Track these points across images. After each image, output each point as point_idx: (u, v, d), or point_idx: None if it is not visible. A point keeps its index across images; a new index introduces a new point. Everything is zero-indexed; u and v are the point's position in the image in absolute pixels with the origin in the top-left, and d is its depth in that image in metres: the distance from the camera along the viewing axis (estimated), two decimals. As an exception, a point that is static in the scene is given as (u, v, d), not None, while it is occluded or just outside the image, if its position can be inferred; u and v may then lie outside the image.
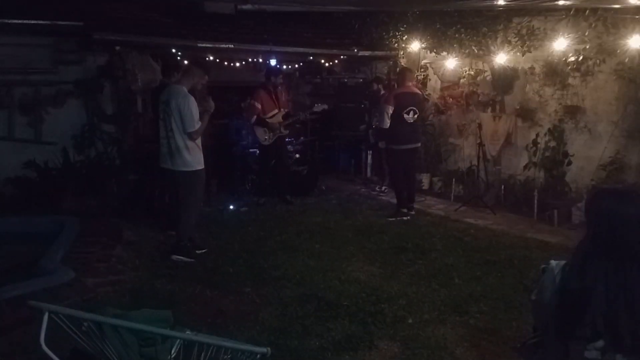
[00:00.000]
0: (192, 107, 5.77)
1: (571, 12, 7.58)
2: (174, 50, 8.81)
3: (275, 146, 8.64)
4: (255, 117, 8.46)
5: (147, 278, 5.39)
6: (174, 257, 5.96)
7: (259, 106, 8.44)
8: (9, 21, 7.62)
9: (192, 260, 5.94)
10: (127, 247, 6.21)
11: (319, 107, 9.28)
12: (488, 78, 9.04)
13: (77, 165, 8.14)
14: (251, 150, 9.23)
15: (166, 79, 6.90)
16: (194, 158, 5.92)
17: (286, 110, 8.74)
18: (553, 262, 2.41)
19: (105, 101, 8.65)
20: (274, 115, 8.51)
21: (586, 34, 7.49)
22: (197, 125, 5.81)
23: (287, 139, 9.37)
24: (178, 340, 2.54)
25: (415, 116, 7.81)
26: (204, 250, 6.23)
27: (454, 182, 9.26)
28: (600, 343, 2.21)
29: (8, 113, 8.11)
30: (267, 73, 8.79)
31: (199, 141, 5.95)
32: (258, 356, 2.28)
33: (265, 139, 8.54)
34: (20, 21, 7.70)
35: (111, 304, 4.25)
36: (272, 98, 8.55)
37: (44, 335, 2.45)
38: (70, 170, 8.02)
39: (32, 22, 7.78)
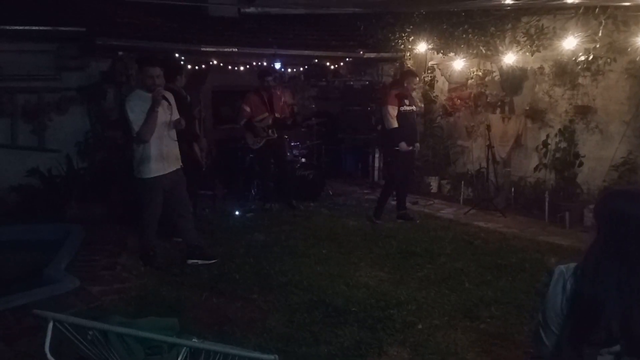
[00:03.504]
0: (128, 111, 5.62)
1: (581, 11, 7.56)
2: (177, 55, 8.84)
3: (271, 150, 8.64)
4: (244, 120, 8.48)
5: (152, 285, 5.39)
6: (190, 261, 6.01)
7: (248, 109, 8.45)
8: (11, 27, 7.69)
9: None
10: (132, 254, 6.22)
11: (313, 121, 9.47)
12: (496, 79, 9.03)
13: (81, 173, 8.18)
14: (256, 155, 9.25)
15: (170, 84, 6.92)
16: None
17: (280, 114, 8.66)
18: (562, 267, 2.39)
19: (109, 107, 8.69)
20: (263, 119, 8.50)
21: (597, 33, 7.46)
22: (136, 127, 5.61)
23: (292, 143, 9.38)
24: (185, 348, 2.54)
25: (412, 108, 7.90)
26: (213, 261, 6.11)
27: (462, 185, 9.25)
28: (615, 348, 2.19)
29: (11, 120, 8.17)
30: (258, 75, 8.81)
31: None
32: (266, 363, 2.27)
33: (253, 142, 8.57)
34: (22, 27, 7.76)
35: (117, 312, 4.26)
36: (264, 101, 8.52)
37: (49, 344, 2.45)
38: (74, 177, 8.07)
39: (34, 28, 7.84)
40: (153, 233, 6.05)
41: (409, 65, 10.39)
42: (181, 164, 6.04)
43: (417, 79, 8.28)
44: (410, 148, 7.76)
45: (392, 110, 7.67)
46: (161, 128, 5.71)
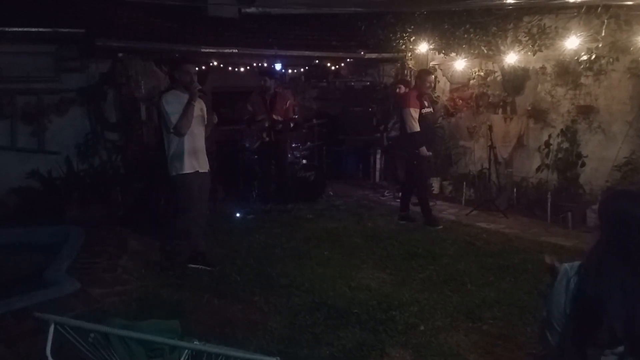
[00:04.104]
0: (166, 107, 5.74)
1: (583, 10, 7.57)
2: (177, 56, 8.85)
3: (271, 152, 8.66)
4: (246, 117, 8.56)
5: (153, 288, 5.40)
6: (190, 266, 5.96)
7: (250, 108, 8.53)
8: (10, 29, 7.69)
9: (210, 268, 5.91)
10: (133, 256, 6.24)
11: (314, 122, 9.61)
12: (498, 79, 9.04)
13: (81, 175, 8.19)
14: (256, 156, 9.28)
15: (173, 85, 6.93)
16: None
17: (283, 117, 8.66)
18: (566, 265, 2.40)
19: (109, 109, 8.70)
20: (260, 120, 8.53)
21: (599, 32, 7.46)
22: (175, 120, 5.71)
23: (293, 144, 9.38)
24: (186, 351, 2.55)
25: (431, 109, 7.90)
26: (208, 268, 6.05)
27: (464, 186, 9.25)
28: (619, 349, 2.20)
29: (11, 122, 8.17)
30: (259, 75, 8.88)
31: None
32: (267, 365, 2.28)
33: (250, 143, 8.62)
34: (21, 29, 7.77)
35: (118, 314, 4.27)
36: (265, 102, 8.56)
37: (50, 347, 2.46)
38: (74, 179, 8.08)
39: (34, 29, 7.84)
40: (201, 233, 6.06)
41: (410, 66, 10.42)
42: (209, 167, 6.10)
43: (432, 76, 8.16)
44: (430, 153, 7.76)
45: (414, 113, 7.60)
46: (194, 124, 5.81)
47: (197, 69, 7.20)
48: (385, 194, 9.93)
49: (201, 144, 5.93)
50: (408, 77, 10.36)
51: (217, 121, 6.20)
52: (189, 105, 5.69)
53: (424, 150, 7.61)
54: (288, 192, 8.81)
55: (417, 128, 7.60)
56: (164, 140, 5.89)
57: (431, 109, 7.93)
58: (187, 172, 5.77)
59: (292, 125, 8.87)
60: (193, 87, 5.76)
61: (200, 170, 5.87)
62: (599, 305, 2.22)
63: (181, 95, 5.75)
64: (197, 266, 5.96)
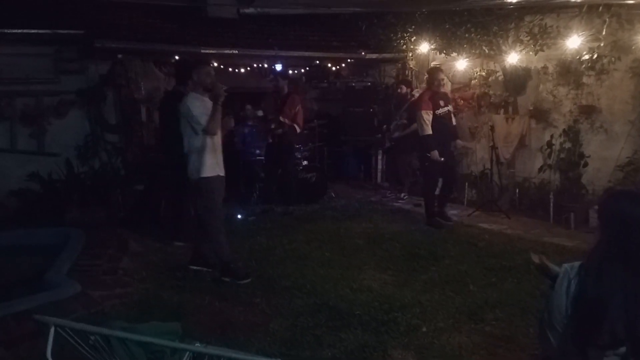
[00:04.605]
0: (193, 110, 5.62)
1: (584, 9, 7.57)
2: (177, 57, 8.87)
3: (273, 153, 8.73)
4: (261, 117, 8.68)
5: (154, 290, 5.40)
6: (223, 279, 5.72)
7: (263, 106, 8.62)
8: (10, 31, 7.72)
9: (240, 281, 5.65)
10: (133, 258, 6.24)
11: (315, 123, 9.77)
12: (500, 79, 9.03)
13: (81, 176, 8.19)
14: (258, 157, 9.29)
15: (180, 86, 6.94)
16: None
17: (290, 120, 8.69)
18: (567, 266, 2.40)
19: (108, 110, 8.72)
20: (269, 120, 8.68)
21: (601, 31, 7.47)
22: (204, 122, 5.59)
23: (295, 146, 9.38)
24: (187, 353, 2.55)
25: (448, 108, 7.83)
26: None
27: (466, 187, 9.24)
28: (621, 350, 2.20)
29: (10, 124, 8.20)
30: None
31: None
32: (269, 367, 2.28)
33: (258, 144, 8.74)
34: (20, 31, 7.79)
35: (118, 316, 4.27)
36: (276, 103, 8.61)
37: (51, 350, 2.47)
38: (74, 181, 8.07)
39: (33, 31, 7.87)
40: (226, 240, 5.86)
41: (411, 66, 10.42)
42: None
43: (441, 74, 8.06)
44: (442, 159, 7.64)
45: (427, 115, 7.58)
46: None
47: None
48: (387, 194, 9.93)
49: (220, 147, 5.85)
50: (409, 77, 10.37)
51: (233, 125, 6.09)
52: (217, 107, 5.61)
53: (435, 154, 7.54)
54: (289, 194, 8.81)
55: (428, 131, 7.59)
56: (164, 143, 5.85)
57: (448, 109, 7.80)
58: (211, 175, 5.68)
59: (297, 130, 8.85)
60: (218, 87, 5.66)
61: (220, 174, 5.78)
62: (600, 306, 2.22)
63: (201, 97, 5.68)
64: (200, 268, 5.93)
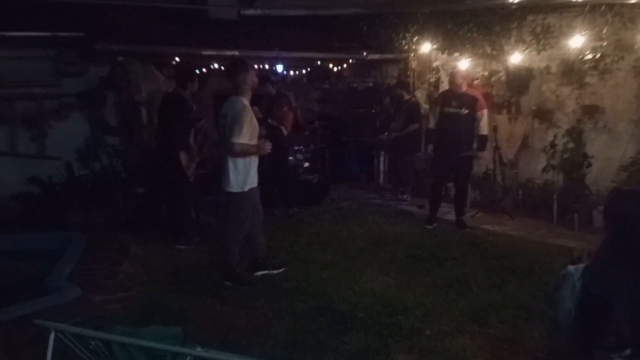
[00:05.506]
0: (246, 120, 5.44)
1: (587, 8, 7.55)
2: (177, 59, 8.88)
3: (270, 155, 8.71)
4: None
5: (155, 294, 5.41)
6: (225, 283, 5.73)
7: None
8: (9, 34, 7.73)
9: (242, 287, 5.65)
10: (134, 262, 6.25)
11: (317, 125, 9.62)
12: (502, 79, 9.01)
13: (82, 180, 8.21)
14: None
15: (180, 89, 6.95)
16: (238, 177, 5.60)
17: (279, 123, 8.57)
18: (571, 268, 2.40)
19: (109, 113, 8.73)
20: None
21: (603, 30, 7.46)
22: (243, 140, 5.44)
23: (295, 147, 9.37)
24: (189, 357, 2.55)
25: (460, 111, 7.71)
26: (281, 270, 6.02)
27: (469, 188, 9.22)
28: (627, 352, 2.19)
29: (10, 128, 8.21)
30: None
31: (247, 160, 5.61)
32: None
33: None
34: (20, 33, 7.81)
35: (119, 321, 4.27)
36: (267, 106, 8.53)
37: (51, 355, 2.47)
38: (75, 184, 8.10)
39: (33, 34, 7.88)
40: (239, 249, 5.86)
41: (413, 67, 10.41)
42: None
43: (458, 75, 7.97)
44: (444, 158, 7.82)
45: (434, 111, 7.88)
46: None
47: (197, 72, 7.16)
48: (389, 196, 9.93)
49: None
50: (411, 78, 10.35)
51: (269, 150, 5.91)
52: (255, 149, 5.60)
53: (429, 147, 7.86)
54: (291, 196, 8.80)
55: (430, 125, 8.02)
56: (163, 145, 5.80)
57: (460, 111, 7.67)
58: (253, 187, 5.66)
59: (284, 132, 8.68)
60: (264, 149, 5.69)
61: (256, 185, 5.75)
62: (605, 307, 2.21)
63: (252, 111, 5.58)
64: (266, 272, 5.94)
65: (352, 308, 5.03)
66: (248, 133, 5.47)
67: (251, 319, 4.89)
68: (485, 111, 7.78)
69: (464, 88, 7.87)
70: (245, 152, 5.52)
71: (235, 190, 5.59)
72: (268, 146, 5.73)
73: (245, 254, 6.02)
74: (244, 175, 5.56)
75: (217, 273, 5.92)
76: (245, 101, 5.56)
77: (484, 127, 7.79)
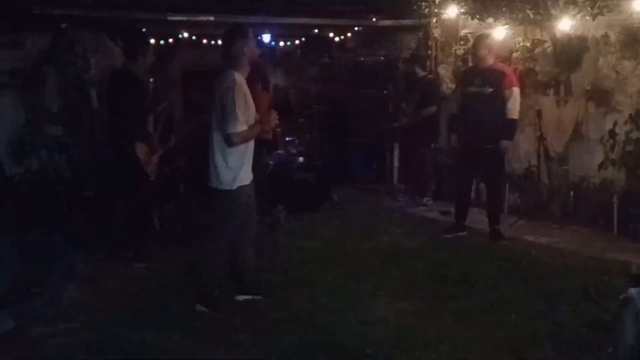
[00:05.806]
0: (239, 100, 5.42)
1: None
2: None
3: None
4: None
5: (108, 325, 5.40)
6: (197, 307, 5.72)
7: None
8: None
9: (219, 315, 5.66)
10: (82, 285, 6.25)
11: (314, 109, 9.79)
12: (549, 51, 9.03)
13: (14, 180, 8.18)
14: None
15: (129, 63, 6.93)
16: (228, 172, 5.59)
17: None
18: (633, 291, 2.40)
19: (50, 95, 8.69)
20: None
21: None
22: (241, 127, 5.44)
23: (286, 138, 9.37)
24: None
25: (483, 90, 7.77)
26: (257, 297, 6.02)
27: (507, 189, 9.23)
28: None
29: None
30: None
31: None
32: None
33: None
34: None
35: (62, 360, 4.27)
36: None
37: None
38: (6, 187, 8.06)
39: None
40: (221, 265, 5.85)
41: (436, 35, 10.40)
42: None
43: (489, 39, 8.07)
44: (470, 150, 7.90)
45: (453, 93, 8.03)
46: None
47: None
48: (404, 199, 9.95)
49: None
50: (432, 50, 10.35)
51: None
52: (256, 128, 5.62)
53: (453, 138, 7.78)
54: (279, 200, 8.78)
55: (453, 110, 8.22)
56: (114, 135, 5.78)
57: (483, 89, 7.75)
58: (246, 184, 5.69)
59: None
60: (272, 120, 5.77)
61: (249, 182, 5.77)
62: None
63: (247, 89, 5.60)
64: (249, 297, 5.96)
65: (359, 342, 5.01)
66: (244, 117, 5.46)
67: (230, 357, 4.88)
68: (515, 89, 7.76)
69: (490, 61, 7.87)
70: (245, 140, 5.54)
71: (223, 188, 5.59)
72: (274, 117, 5.77)
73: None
74: (236, 170, 5.57)
75: (187, 298, 5.89)
76: (239, 76, 5.55)
77: (513, 110, 7.76)
